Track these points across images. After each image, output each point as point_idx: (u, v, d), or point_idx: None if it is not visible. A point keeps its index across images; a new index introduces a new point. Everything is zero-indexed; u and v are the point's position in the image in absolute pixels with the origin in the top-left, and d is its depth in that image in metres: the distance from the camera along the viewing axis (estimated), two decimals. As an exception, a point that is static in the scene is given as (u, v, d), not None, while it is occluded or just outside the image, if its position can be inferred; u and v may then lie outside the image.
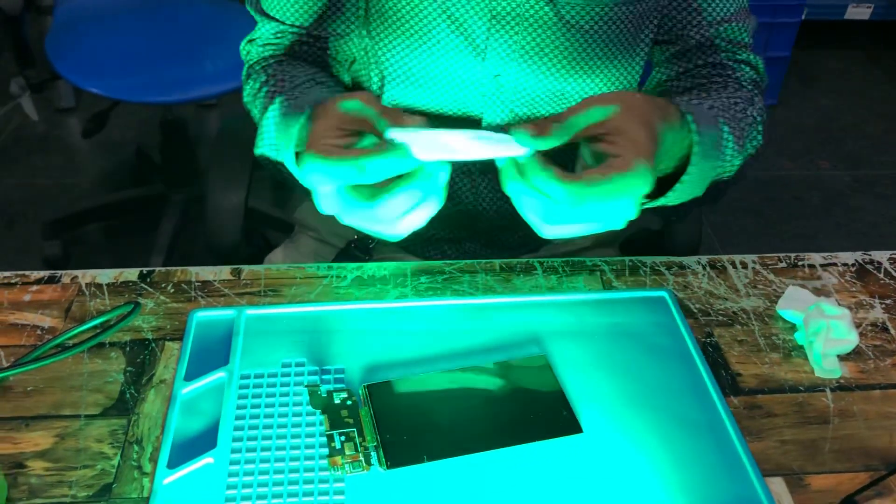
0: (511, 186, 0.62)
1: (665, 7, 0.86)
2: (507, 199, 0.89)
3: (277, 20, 0.88)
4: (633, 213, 0.62)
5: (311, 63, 0.90)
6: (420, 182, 0.62)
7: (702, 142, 0.69)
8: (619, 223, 0.63)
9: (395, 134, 0.60)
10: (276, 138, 0.79)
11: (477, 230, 0.95)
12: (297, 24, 0.88)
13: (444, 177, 0.63)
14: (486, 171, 0.90)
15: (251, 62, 0.91)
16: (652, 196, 0.70)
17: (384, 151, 0.61)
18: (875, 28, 2.95)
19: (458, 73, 0.85)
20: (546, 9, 0.81)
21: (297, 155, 0.70)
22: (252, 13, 0.91)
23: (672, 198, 0.71)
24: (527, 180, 0.61)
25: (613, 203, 0.60)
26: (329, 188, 0.63)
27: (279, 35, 0.90)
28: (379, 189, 0.62)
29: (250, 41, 0.92)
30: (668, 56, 0.90)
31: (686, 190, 0.71)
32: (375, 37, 0.86)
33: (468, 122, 0.87)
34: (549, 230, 0.63)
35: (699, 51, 0.88)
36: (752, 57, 0.89)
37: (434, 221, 0.96)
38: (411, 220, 0.64)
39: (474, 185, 0.91)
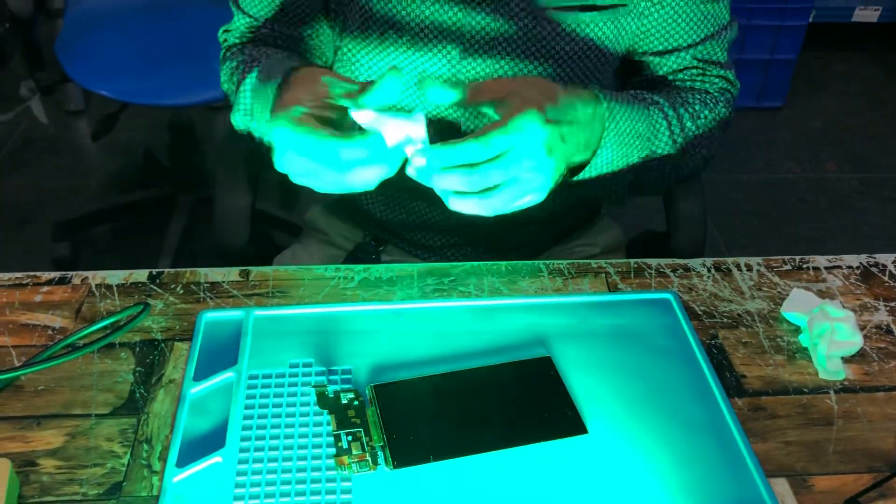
0: (418, 172, 0.65)
1: (639, 32, 0.87)
2: None
3: (251, 16, 0.90)
4: (543, 161, 0.66)
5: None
6: (380, 145, 0.64)
7: (614, 116, 0.75)
8: (533, 170, 0.66)
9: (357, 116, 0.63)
10: (251, 103, 0.81)
11: (477, 236, 0.96)
12: (270, 21, 0.90)
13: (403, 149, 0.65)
14: None
15: (227, 47, 0.94)
16: (576, 171, 0.76)
17: (356, 139, 0.62)
18: (883, 30, 2.94)
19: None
20: (520, 35, 0.82)
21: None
22: (230, 4, 0.93)
23: (595, 165, 0.77)
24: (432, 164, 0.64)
25: (512, 149, 0.64)
26: (291, 154, 0.65)
27: (252, 30, 0.92)
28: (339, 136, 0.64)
29: (226, 30, 0.95)
30: (641, 81, 0.92)
31: (606, 159, 0.77)
32: (353, 55, 0.87)
33: (446, 126, 0.88)
34: (459, 204, 0.66)
35: (670, 72, 0.91)
36: (723, 72, 0.91)
37: (435, 231, 0.97)
38: (362, 175, 0.64)
39: None
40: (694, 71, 0.90)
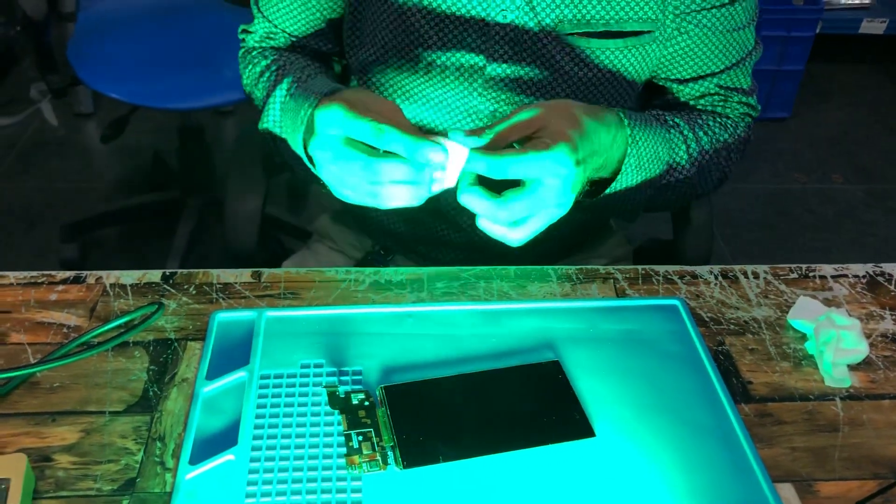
0: (461, 191, 0.68)
1: (663, 59, 0.87)
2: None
3: (270, 22, 0.91)
4: (565, 196, 0.69)
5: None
6: (414, 165, 0.67)
7: (636, 141, 0.77)
8: (556, 206, 0.69)
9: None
10: (280, 118, 0.83)
11: (487, 254, 0.97)
12: (289, 31, 0.91)
13: (432, 175, 0.68)
14: None
15: (247, 48, 0.95)
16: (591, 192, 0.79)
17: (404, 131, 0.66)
18: (890, 42, 2.95)
19: (456, 104, 0.87)
20: (542, 60, 0.83)
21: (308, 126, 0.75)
22: (252, 5, 0.94)
23: (613, 189, 0.79)
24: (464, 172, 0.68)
25: (541, 185, 0.67)
26: (336, 132, 0.67)
27: (271, 36, 0.93)
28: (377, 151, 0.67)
29: (246, 31, 0.96)
30: (662, 105, 0.92)
31: (625, 183, 0.79)
32: (372, 79, 0.88)
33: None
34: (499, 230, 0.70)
35: (692, 98, 0.91)
36: (745, 98, 0.91)
37: (446, 246, 0.98)
38: (396, 192, 0.68)
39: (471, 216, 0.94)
40: (716, 97, 0.90)
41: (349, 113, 0.66)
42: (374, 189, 0.68)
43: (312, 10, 0.89)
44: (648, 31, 0.83)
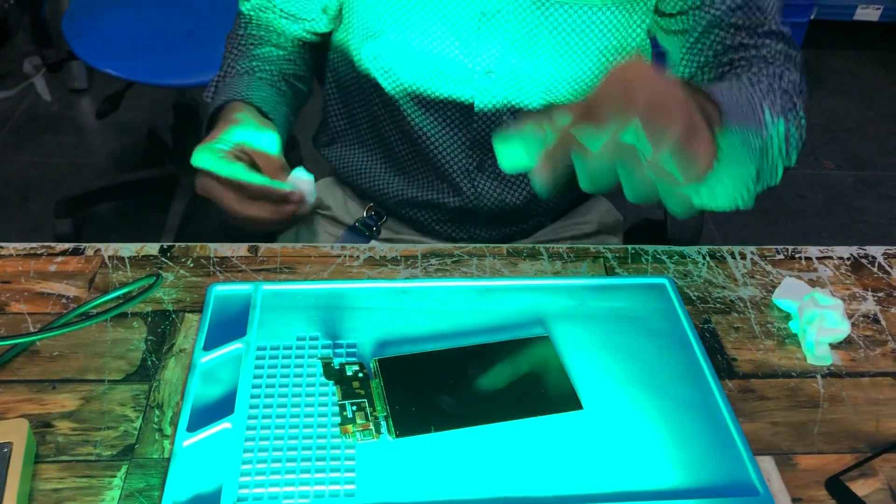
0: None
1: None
2: (508, 191, 0.95)
3: None
4: None
5: (284, 47, 0.96)
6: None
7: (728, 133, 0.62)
8: None
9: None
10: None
11: (477, 219, 0.98)
12: (280, 6, 0.94)
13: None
14: (483, 168, 0.94)
15: (238, 11, 0.98)
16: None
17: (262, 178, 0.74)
18: (884, 29, 2.96)
19: (448, 70, 0.88)
20: (534, 6, 0.83)
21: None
22: None
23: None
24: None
25: None
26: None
27: (263, 8, 0.95)
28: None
29: None
30: (683, 50, 0.84)
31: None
32: (363, 39, 0.90)
33: (460, 107, 0.90)
34: None
35: (711, 34, 0.82)
36: (775, 27, 0.82)
37: (437, 215, 1.00)
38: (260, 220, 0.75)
39: (473, 182, 0.95)
40: (743, 34, 0.80)
41: (220, 162, 0.73)
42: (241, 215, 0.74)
43: None
44: None
